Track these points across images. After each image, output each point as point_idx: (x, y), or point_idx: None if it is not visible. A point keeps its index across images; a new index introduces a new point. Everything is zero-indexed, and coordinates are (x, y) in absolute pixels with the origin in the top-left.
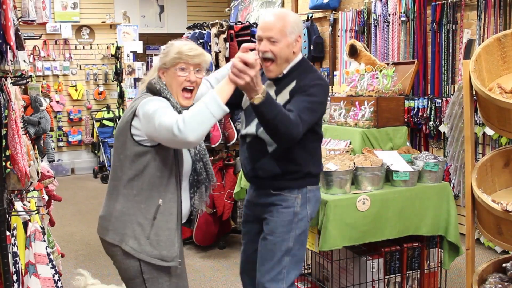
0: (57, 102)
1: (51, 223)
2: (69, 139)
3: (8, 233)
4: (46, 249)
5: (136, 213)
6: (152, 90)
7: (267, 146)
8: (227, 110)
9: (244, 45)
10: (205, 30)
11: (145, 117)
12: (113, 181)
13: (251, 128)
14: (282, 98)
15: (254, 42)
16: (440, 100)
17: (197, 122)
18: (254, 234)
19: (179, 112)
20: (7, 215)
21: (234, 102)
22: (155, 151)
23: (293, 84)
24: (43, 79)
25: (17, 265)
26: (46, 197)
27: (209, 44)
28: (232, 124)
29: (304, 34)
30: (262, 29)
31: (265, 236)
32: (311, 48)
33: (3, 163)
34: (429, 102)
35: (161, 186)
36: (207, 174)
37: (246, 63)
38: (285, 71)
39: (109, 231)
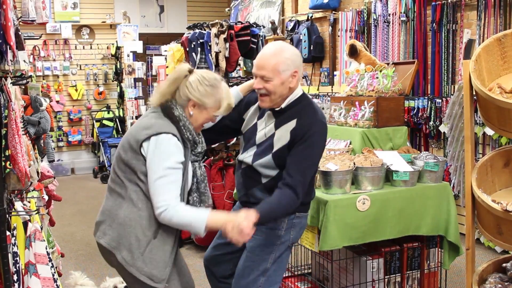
0: (57, 102)
1: (51, 223)
2: (69, 139)
3: (8, 233)
4: (46, 249)
5: (137, 227)
6: (169, 115)
7: (261, 177)
8: (203, 235)
9: (248, 215)
10: (205, 30)
11: (152, 160)
12: (117, 187)
13: (248, 158)
14: (283, 136)
15: (254, 42)
16: (440, 100)
17: (178, 222)
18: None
19: (195, 136)
20: (7, 215)
21: (234, 128)
22: None
23: (294, 123)
24: (43, 79)
25: (17, 265)
26: (46, 197)
27: (209, 44)
28: None
29: (304, 34)
30: (256, 67)
31: (246, 253)
32: (311, 48)
33: (3, 163)
34: (429, 102)
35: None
36: (200, 199)
37: (242, 231)
38: (283, 105)
39: (107, 234)
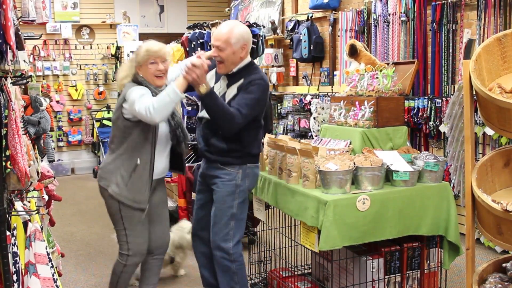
0: (57, 102)
1: (51, 223)
2: (69, 139)
3: (8, 233)
4: (46, 249)
5: (120, 167)
6: (136, 82)
7: (217, 129)
8: (183, 96)
9: (198, 52)
10: (205, 30)
11: (130, 102)
12: (110, 144)
13: (207, 114)
14: (232, 91)
15: (254, 42)
16: (440, 100)
17: (161, 106)
18: (205, 202)
19: (156, 94)
20: (7, 215)
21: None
22: (138, 125)
23: (241, 81)
24: (43, 79)
25: (17, 265)
26: (46, 197)
27: (209, 44)
28: None
29: (304, 34)
30: (214, 39)
31: (214, 204)
32: (311, 48)
33: (3, 163)
34: (429, 102)
35: (140, 150)
36: (184, 135)
37: (193, 65)
38: (234, 70)
39: (102, 178)
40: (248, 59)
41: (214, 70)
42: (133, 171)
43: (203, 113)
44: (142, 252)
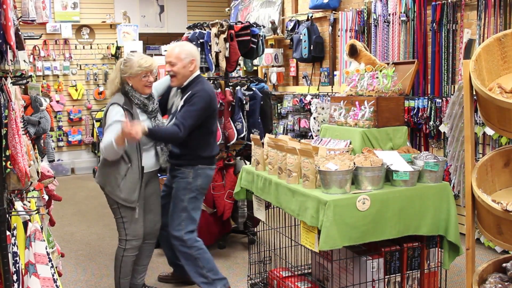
0: (57, 102)
1: (51, 223)
2: (69, 139)
3: (8, 233)
4: (46, 249)
5: (114, 170)
6: (123, 91)
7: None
8: (116, 148)
9: (135, 125)
10: (205, 30)
11: (107, 118)
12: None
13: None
14: (180, 103)
15: (254, 42)
16: (440, 100)
17: (108, 151)
18: (166, 194)
19: (141, 102)
20: (7, 215)
21: (166, 104)
22: None
23: (189, 93)
24: (43, 79)
25: (17, 265)
26: (46, 197)
27: (209, 44)
28: (232, 124)
29: (304, 34)
30: (166, 56)
31: (172, 200)
32: (311, 48)
33: (3, 163)
34: (429, 102)
35: (130, 155)
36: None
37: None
38: (185, 84)
39: (99, 176)
40: (197, 73)
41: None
42: (124, 175)
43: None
44: (139, 236)
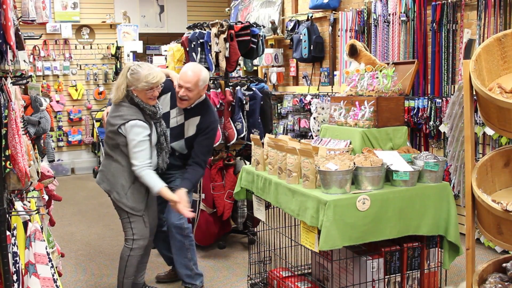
0: (57, 102)
1: (51, 223)
2: (69, 139)
3: (8, 233)
4: (46, 249)
5: (121, 177)
6: (132, 102)
7: (175, 151)
8: (154, 194)
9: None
10: (205, 30)
11: (129, 139)
12: (109, 150)
13: (176, 146)
14: (191, 129)
15: (254, 42)
16: (440, 100)
17: (143, 180)
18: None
19: (150, 110)
20: (7, 215)
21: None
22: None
23: (198, 119)
24: (43, 79)
25: (17, 265)
26: (46, 197)
27: (209, 44)
28: (232, 124)
29: (304, 34)
30: (182, 81)
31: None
32: (311, 48)
33: (3, 163)
34: (429, 102)
35: None
36: (166, 143)
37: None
38: (192, 105)
39: (104, 182)
40: (204, 96)
41: (168, 94)
42: (133, 183)
43: (175, 144)
44: (146, 236)
